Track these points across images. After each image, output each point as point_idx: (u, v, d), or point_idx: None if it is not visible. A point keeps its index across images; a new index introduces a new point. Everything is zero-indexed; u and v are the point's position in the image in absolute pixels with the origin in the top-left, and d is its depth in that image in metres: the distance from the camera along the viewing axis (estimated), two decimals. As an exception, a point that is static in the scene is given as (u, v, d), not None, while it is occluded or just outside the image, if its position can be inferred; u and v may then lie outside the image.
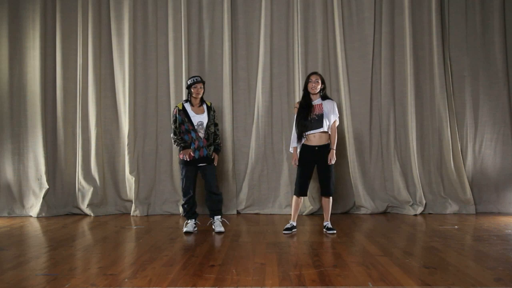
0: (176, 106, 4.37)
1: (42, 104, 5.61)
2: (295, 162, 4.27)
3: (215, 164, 4.38)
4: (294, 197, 4.27)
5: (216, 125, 4.44)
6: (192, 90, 4.30)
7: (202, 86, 4.33)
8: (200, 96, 4.32)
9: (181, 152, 4.25)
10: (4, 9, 5.70)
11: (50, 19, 5.74)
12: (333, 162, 4.17)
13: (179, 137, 4.29)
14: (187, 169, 4.27)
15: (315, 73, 4.28)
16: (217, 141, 4.43)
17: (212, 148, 4.33)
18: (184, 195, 4.35)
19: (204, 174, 4.33)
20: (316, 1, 5.61)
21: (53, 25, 5.74)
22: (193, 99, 4.34)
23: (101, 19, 5.77)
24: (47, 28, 5.72)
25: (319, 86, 4.18)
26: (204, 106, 4.37)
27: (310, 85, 4.19)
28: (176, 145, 4.35)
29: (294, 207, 4.28)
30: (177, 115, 4.30)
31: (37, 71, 5.63)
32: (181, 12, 5.63)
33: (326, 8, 5.63)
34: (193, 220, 4.36)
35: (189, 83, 4.33)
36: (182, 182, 4.32)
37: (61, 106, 5.69)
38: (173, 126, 4.34)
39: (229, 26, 5.62)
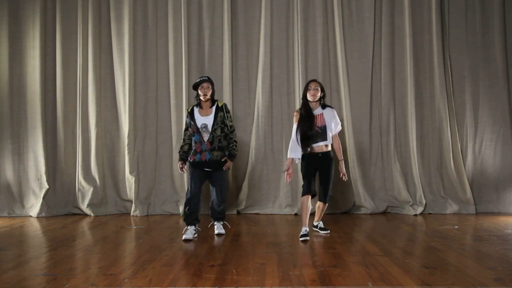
0: (187, 109, 4.25)
1: (42, 104, 5.61)
2: (288, 175, 3.95)
3: (225, 169, 4.08)
4: (302, 198, 3.98)
5: (230, 127, 4.11)
6: (199, 91, 4.03)
7: (210, 86, 4.03)
8: (208, 96, 4.01)
9: None
10: (4, 9, 5.70)
11: (50, 19, 5.75)
12: (345, 175, 4.18)
13: (183, 144, 4.17)
14: (191, 172, 4.07)
15: (314, 80, 4.08)
16: (231, 145, 4.10)
17: (217, 153, 4.02)
18: (186, 196, 4.15)
19: (210, 181, 4.13)
20: (316, 1, 5.61)
21: (53, 25, 5.75)
22: (201, 101, 4.07)
23: (101, 19, 5.78)
24: (47, 28, 5.72)
25: (318, 94, 3.98)
26: (214, 107, 4.06)
27: (309, 93, 3.98)
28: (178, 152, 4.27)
29: (303, 209, 3.96)
30: (187, 118, 4.14)
31: (37, 71, 5.63)
32: (181, 12, 5.64)
33: (326, 8, 5.63)
34: (193, 226, 4.03)
35: (196, 82, 4.07)
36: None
37: (61, 106, 5.69)
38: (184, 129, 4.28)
39: (229, 26, 5.62)
